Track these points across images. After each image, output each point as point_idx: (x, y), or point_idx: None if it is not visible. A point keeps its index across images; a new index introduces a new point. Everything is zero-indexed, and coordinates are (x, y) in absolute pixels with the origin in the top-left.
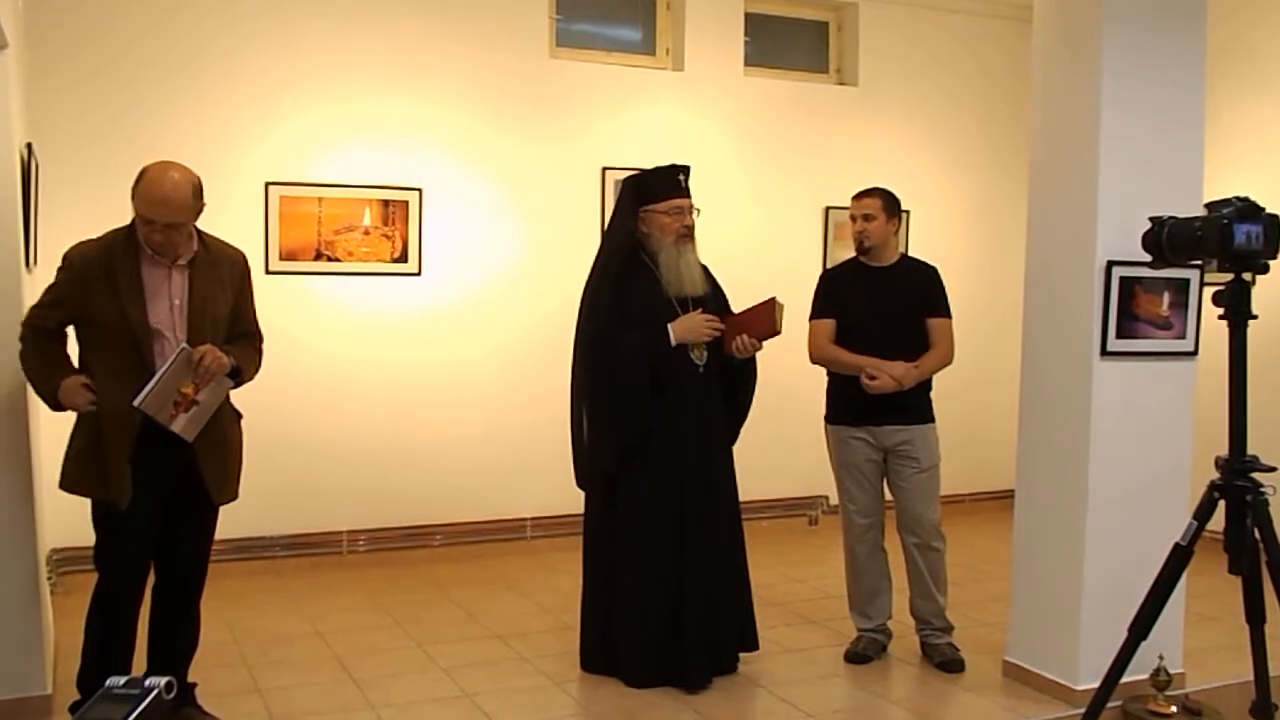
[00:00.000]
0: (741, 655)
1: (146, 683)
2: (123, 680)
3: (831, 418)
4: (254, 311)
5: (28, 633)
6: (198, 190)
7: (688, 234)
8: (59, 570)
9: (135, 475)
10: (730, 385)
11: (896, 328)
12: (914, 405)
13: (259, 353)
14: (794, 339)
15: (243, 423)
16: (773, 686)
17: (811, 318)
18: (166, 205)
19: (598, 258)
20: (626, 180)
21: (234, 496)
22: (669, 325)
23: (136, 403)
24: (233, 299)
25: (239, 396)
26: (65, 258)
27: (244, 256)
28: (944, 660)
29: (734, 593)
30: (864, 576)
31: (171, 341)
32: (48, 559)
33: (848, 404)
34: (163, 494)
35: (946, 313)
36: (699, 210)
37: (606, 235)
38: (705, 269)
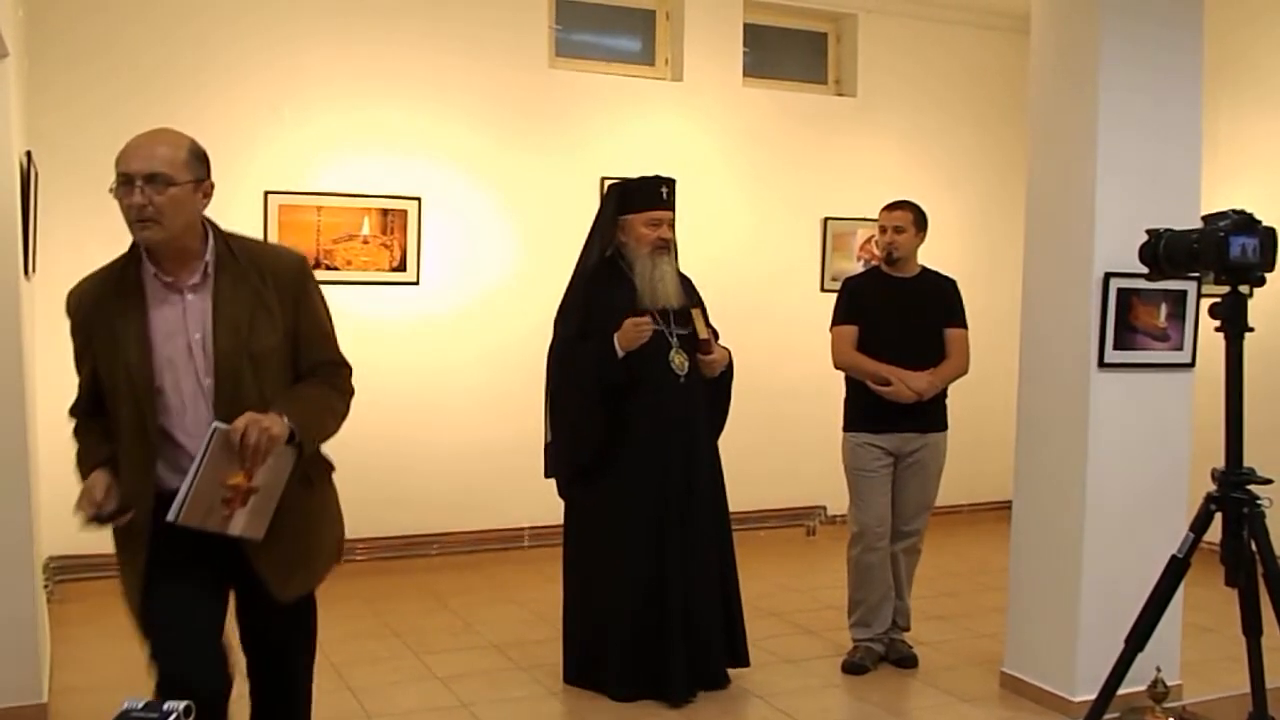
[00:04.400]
0: (733, 670)
1: (165, 707)
2: (141, 703)
3: (850, 425)
4: (330, 333)
5: (24, 641)
6: (198, 153)
7: (664, 246)
8: (55, 579)
9: (164, 571)
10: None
11: (916, 337)
12: (933, 413)
13: (343, 391)
14: (790, 349)
15: (333, 475)
16: (769, 697)
17: (834, 324)
18: (145, 152)
19: (578, 261)
20: (611, 187)
21: (315, 583)
22: (614, 335)
23: (170, 516)
24: (288, 322)
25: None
26: (66, 305)
27: (301, 260)
28: (901, 657)
29: (719, 603)
30: (876, 585)
31: (186, 396)
32: (45, 567)
33: (867, 411)
34: (208, 585)
35: (963, 324)
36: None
37: (587, 240)
38: (688, 280)
